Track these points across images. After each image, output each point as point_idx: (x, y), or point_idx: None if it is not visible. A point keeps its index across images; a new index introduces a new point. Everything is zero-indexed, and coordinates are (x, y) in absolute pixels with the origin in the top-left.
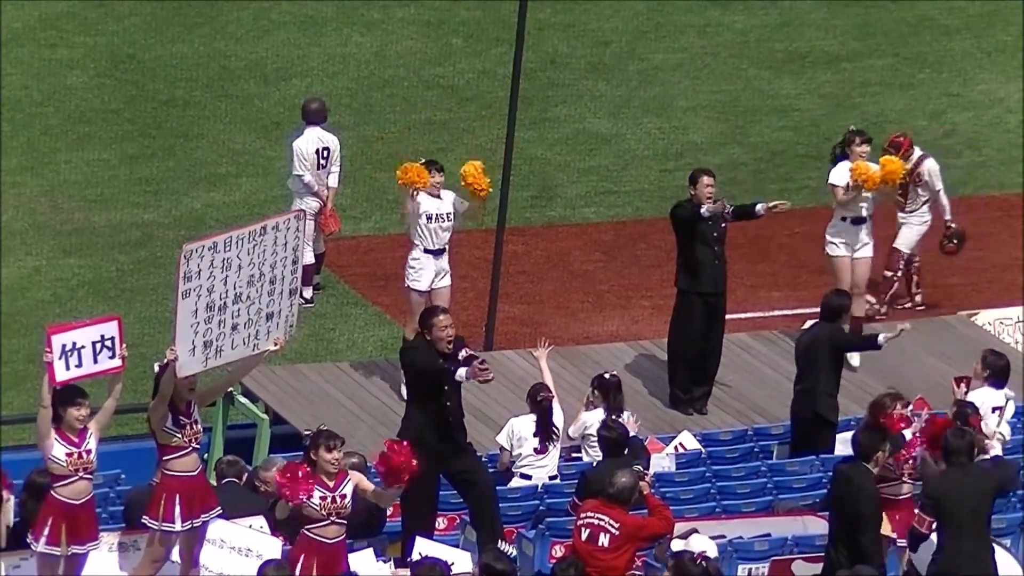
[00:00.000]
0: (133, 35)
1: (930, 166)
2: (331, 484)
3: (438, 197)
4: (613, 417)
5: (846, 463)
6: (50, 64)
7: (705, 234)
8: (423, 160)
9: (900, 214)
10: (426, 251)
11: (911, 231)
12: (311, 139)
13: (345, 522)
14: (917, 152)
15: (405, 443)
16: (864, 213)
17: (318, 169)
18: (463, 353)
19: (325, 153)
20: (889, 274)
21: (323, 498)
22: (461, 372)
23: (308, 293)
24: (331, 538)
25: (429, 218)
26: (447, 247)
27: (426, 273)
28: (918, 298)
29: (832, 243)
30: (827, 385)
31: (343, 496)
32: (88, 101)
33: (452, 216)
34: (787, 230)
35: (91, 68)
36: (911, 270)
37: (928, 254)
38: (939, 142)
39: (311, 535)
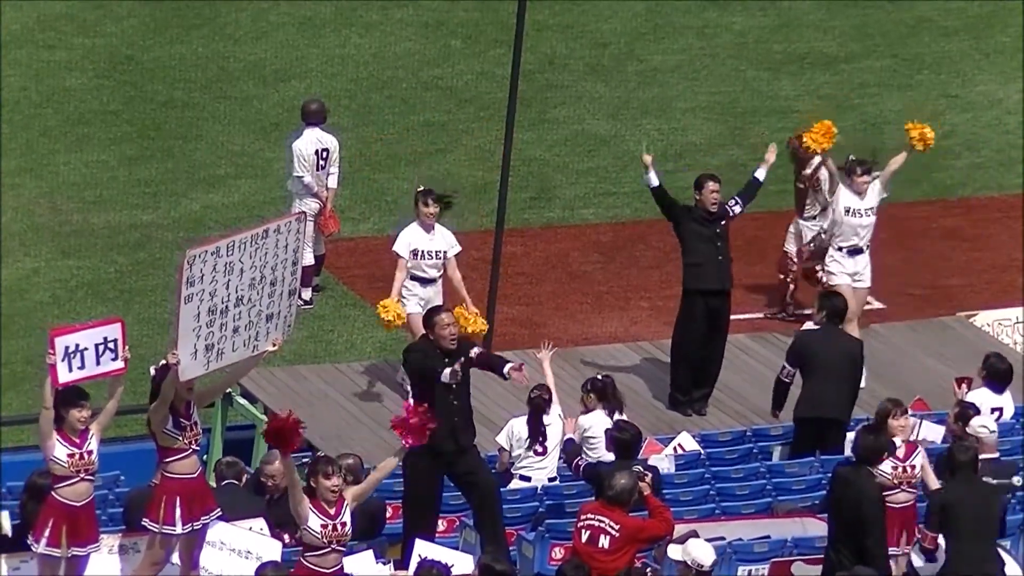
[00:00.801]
0: (132, 36)
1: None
2: (331, 512)
3: (431, 229)
4: (624, 419)
5: (846, 466)
6: (49, 66)
7: (704, 232)
8: (420, 188)
9: (798, 219)
10: (413, 278)
11: (803, 237)
12: (310, 140)
13: (344, 550)
14: (817, 158)
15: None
16: (861, 243)
17: (317, 170)
18: (474, 351)
19: (324, 154)
20: (783, 277)
21: (323, 526)
22: (445, 373)
23: (307, 295)
24: (329, 568)
25: (415, 254)
26: (438, 279)
27: (413, 300)
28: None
29: (831, 273)
30: (843, 389)
31: (344, 524)
32: (87, 103)
33: (440, 255)
34: (786, 232)
35: (90, 70)
36: (789, 277)
37: (923, 255)
38: (938, 143)
39: (309, 564)
